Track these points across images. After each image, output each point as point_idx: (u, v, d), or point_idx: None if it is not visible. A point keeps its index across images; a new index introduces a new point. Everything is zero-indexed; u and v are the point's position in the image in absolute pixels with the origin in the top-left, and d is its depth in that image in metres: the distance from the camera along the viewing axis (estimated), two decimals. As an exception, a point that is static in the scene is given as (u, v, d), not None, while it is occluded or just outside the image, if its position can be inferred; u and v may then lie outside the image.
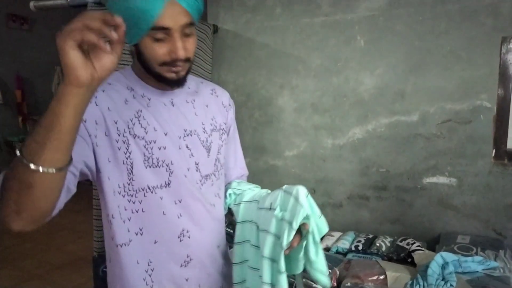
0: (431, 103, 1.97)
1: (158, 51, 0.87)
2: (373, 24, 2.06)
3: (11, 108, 5.60)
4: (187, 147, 1.01)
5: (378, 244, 1.86)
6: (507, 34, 1.80)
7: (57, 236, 3.83)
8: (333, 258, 1.73)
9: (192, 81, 1.11)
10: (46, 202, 0.75)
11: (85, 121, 0.87)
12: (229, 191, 1.20)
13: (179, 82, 0.96)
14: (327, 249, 1.93)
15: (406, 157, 2.05)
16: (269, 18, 2.32)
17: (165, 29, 0.85)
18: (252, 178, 2.47)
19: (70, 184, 0.84)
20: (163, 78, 0.93)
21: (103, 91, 0.92)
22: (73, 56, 0.64)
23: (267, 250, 0.96)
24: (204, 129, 1.06)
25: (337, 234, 2.05)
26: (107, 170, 0.92)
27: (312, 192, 2.33)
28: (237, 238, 1.12)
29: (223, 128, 1.14)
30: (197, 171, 1.03)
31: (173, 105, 1.01)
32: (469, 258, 1.54)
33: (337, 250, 1.90)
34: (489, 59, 1.84)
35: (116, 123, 0.92)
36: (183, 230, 1.01)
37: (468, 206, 1.94)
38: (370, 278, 1.56)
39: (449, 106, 1.94)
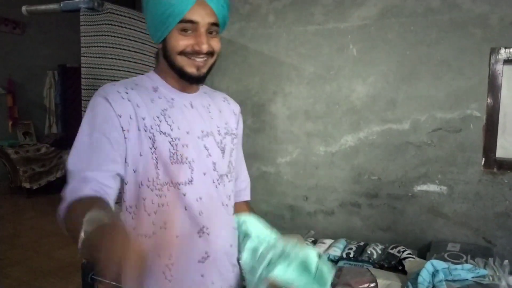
0: (422, 112, 1.99)
1: (183, 42, 0.95)
2: (366, 33, 2.08)
3: (2, 112, 5.55)
4: (205, 147, 1.05)
5: (369, 252, 1.87)
6: (496, 45, 1.83)
7: (46, 243, 3.79)
8: (325, 265, 1.73)
9: (206, 89, 1.18)
10: None
11: (120, 116, 0.93)
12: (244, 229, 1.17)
13: (199, 78, 1.01)
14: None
15: (397, 165, 2.07)
16: (262, 25, 2.34)
17: (193, 23, 0.94)
18: (245, 184, 2.48)
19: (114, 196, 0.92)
20: (184, 73, 0.98)
21: (132, 89, 0.98)
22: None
23: None
24: (219, 131, 1.10)
25: (328, 242, 2.05)
26: (136, 163, 0.96)
27: (305, 199, 2.33)
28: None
29: (234, 133, 1.18)
30: (214, 170, 1.06)
31: (192, 107, 1.06)
32: (459, 266, 1.55)
33: (328, 257, 1.90)
34: (479, 69, 1.87)
35: (144, 119, 0.96)
36: (203, 227, 1.03)
37: (459, 214, 1.96)
38: (361, 286, 1.56)
39: (440, 115, 1.96)
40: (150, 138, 0.96)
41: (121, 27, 1.96)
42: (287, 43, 2.28)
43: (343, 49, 2.14)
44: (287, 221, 2.39)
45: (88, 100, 1.85)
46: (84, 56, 1.84)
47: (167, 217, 0.97)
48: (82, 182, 0.87)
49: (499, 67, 1.84)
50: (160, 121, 0.98)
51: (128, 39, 2.00)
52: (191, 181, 1.00)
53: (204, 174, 1.03)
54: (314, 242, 2.08)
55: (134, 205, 0.98)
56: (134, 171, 0.96)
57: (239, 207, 1.22)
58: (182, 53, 0.96)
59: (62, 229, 0.85)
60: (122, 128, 0.93)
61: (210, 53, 0.99)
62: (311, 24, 2.21)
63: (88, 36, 1.83)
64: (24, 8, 1.93)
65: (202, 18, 0.94)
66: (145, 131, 0.95)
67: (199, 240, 1.03)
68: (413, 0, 1.96)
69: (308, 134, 2.28)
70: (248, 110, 2.43)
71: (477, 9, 1.85)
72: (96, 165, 0.89)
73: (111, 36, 1.91)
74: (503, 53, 1.82)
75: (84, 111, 1.83)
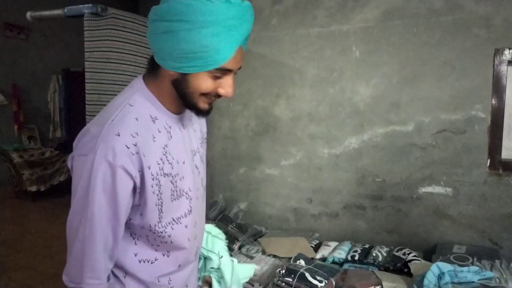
0: (426, 113, 1.99)
1: (209, 85, 0.86)
2: (368, 35, 2.08)
3: (7, 116, 5.59)
4: (196, 167, 1.03)
5: (374, 254, 1.86)
6: (500, 46, 1.82)
7: (51, 246, 3.79)
8: (329, 268, 1.72)
9: None
10: None
11: (130, 175, 0.84)
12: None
13: (208, 112, 0.94)
14: (323, 259, 1.92)
15: (402, 166, 2.06)
16: (265, 28, 2.34)
17: (228, 71, 0.86)
18: (248, 187, 2.49)
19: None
20: (196, 108, 0.91)
21: (137, 134, 0.87)
22: None
23: None
24: (201, 143, 1.09)
25: (333, 244, 2.04)
26: (140, 210, 0.91)
27: (309, 201, 2.33)
28: None
29: (205, 136, 1.18)
30: (202, 185, 1.06)
31: (184, 128, 1.00)
32: (465, 268, 1.54)
33: (333, 260, 1.89)
34: (483, 70, 1.86)
35: (149, 168, 0.88)
36: (197, 249, 1.08)
37: (464, 216, 1.95)
38: (366, 289, 1.55)
39: (444, 116, 1.95)
40: (157, 185, 0.90)
41: (124, 31, 1.96)
42: (290, 46, 2.28)
43: (346, 51, 2.14)
44: (292, 223, 2.38)
45: (92, 104, 1.87)
46: (88, 61, 1.84)
47: (169, 248, 0.98)
48: (97, 279, 0.89)
49: (503, 68, 1.83)
50: (163, 163, 0.91)
51: (131, 43, 2.00)
52: (190, 211, 1.00)
53: (197, 198, 1.03)
54: (319, 245, 2.08)
55: (138, 235, 0.95)
56: (141, 215, 0.92)
57: None
58: (204, 94, 0.88)
59: None
60: (134, 189, 0.87)
61: None
62: (314, 26, 2.21)
63: (91, 41, 1.84)
64: (28, 14, 1.95)
65: (237, 65, 0.87)
66: (153, 179, 0.89)
67: (194, 263, 1.10)
68: (416, 2, 1.96)
69: (312, 136, 2.28)
70: (251, 113, 2.43)
71: (480, 10, 1.84)
72: (102, 262, 0.88)
73: (115, 40, 1.92)
74: (507, 54, 1.81)
75: (89, 115, 1.86)
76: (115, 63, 1.93)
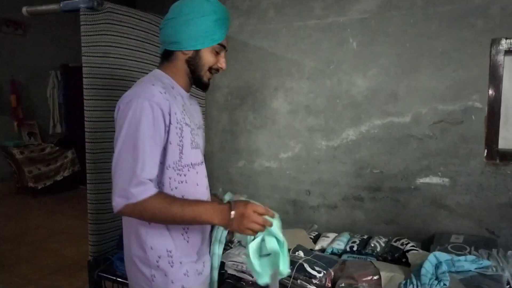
0: (423, 104, 1.99)
1: (213, 59, 1.25)
2: (365, 27, 2.08)
3: (6, 112, 5.59)
4: (198, 136, 1.31)
5: (373, 245, 1.88)
6: (496, 36, 1.82)
7: (53, 241, 3.82)
8: (328, 259, 1.74)
9: None
10: None
11: (166, 114, 1.13)
12: None
13: (207, 87, 1.31)
14: (322, 250, 1.94)
15: (399, 158, 2.07)
16: (262, 21, 2.34)
17: (223, 48, 1.27)
18: (248, 180, 2.50)
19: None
20: (201, 82, 1.28)
21: (164, 88, 1.17)
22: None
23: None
24: (201, 124, 1.41)
25: (332, 235, 2.06)
26: (167, 149, 1.16)
27: (307, 193, 2.34)
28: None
29: (203, 128, 1.46)
30: (202, 155, 1.35)
31: (190, 104, 1.33)
32: (462, 258, 1.55)
33: (332, 251, 1.91)
34: (480, 60, 1.86)
35: (176, 114, 1.17)
36: (207, 198, 1.32)
37: (462, 206, 1.96)
38: (364, 279, 1.57)
39: (441, 107, 1.96)
40: (180, 129, 1.18)
41: (121, 26, 1.96)
42: (287, 38, 2.28)
43: (343, 43, 2.14)
44: (291, 215, 2.40)
45: (90, 99, 1.87)
46: (85, 56, 1.84)
47: (184, 191, 1.21)
48: (143, 185, 1.08)
49: (500, 58, 1.83)
50: (184, 116, 1.21)
51: (128, 37, 2.00)
52: (202, 162, 1.30)
53: (204, 157, 1.34)
54: (318, 236, 2.10)
55: (161, 182, 1.18)
56: (165, 156, 1.17)
57: None
58: (210, 68, 1.26)
59: (132, 214, 1.12)
60: (165, 124, 1.13)
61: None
62: (310, 18, 2.21)
63: (88, 35, 1.83)
64: (24, 9, 1.94)
65: (227, 44, 1.29)
66: (177, 123, 1.17)
67: None
68: (412, -8, 1.95)
69: (310, 129, 2.29)
70: (249, 106, 2.43)
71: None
72: (149, 166, 1.10)
73: (111, 35, 1.91)
74: (504, 44, 1.81)
75: (87, 110, 1.86)
76: (112, 57, 1.93)
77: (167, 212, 1.10)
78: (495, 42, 1.82)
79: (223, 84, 2.50)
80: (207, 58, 1.24)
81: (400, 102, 2.04)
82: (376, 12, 2.05)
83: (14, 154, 5.15)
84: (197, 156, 1.27)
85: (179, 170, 1.20)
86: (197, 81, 1.28)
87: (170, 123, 1.15)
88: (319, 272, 1.60)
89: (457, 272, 1.52)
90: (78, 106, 2.20)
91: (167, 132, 1.15)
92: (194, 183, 1.25)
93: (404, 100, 2.03)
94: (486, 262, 1.55)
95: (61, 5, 1.82)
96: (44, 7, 1.90)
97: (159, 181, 1.18)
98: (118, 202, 1.08)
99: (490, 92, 1.86)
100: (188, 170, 1.22)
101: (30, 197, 5.30)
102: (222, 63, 1.27)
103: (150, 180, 1.10)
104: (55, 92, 6.16)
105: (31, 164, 5.23)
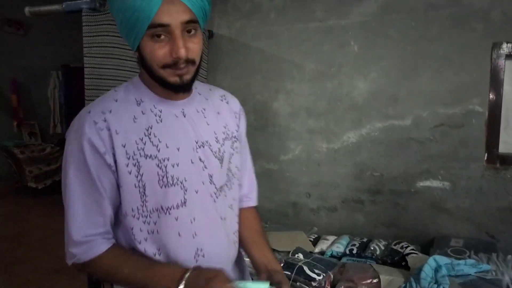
0: (424, 107, 1.99)
1: (159, 52, 0.83)
2: (366, 30, 2.08)
3: (7, 112, 5.60)
4: (200, 159, 0.95)
5: (372, 248, 1.87)
6: (497, 40, 1.82)
7: (52, 241, 3.81)
8: (328, 261, 1.74)
9: (201, 87, 1.07)
10: None
11: (99, 150, 0.85)
12: None
13: (184, 87, 0.90)
14: (321, 253, 1.94)
15: (399, 161, 2.07)
16: (263, 23, 2.34)
17: (164, 26, 0.81)
18: (248, 182, 2.49)
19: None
20: (166, 83, 0.88)
21: (110, 111, 0.88)
22: None
23: None
24: (216, 138, 1.00)
25: (331, 238, 2.06)
26: (120, 193, 0.90)
27: (307, 196, 2.34)
28: None
29: (235, 136, 1.08)
30: (211, 183, 0.97)
31: (184, 116, 0.95)
32: (462, 261, 1.55)
33: (331, 253, 1.91)
34: (481, 64, 1.86)
35: (124, 147, 0.87)
36: (197, 250, 0.95)
37: (461, 210, 1.96)
38: (363, 282, 1.57)
39: (442, 110, 1.96)
40: (134, 166, 0.87)
41: (123, 27, 1.97)
42: (288, 41, 2.29)
43: (344, 45, 2.14)
44: (291, 217, 2.40)
45: (91, 100, 1.87)
46: (87, 56, 1.85)
47: (159, 244, 0.92)
48: (83, 244, 0.90)
49: (501, 62, 1.83)
50: (144, 143, 0.88)
51: (130, 38, 2.01)
52: (184, 202, 0.92)
53: (197, 192, 0.94)
54: (317, 239, 2.09)
55: (122, 236, 0.94)
56: (120, 203, 0.91)
57: (243, 215, 1.13)
58: (166, 66, 0.85)
59: (85, 272, 0.98)
60: (107, 164, 0.87)
61: (191, 61, 0.86)
62: (312, 21, 2.21)
63: (90, 36, 1.84)
64: (27, 9, 1.95)
65: (174, 18, 0.81)
66: (128, 159, 0.87)
67: (195, 264, 0.95)
68: (414, -4, 1.96)
69: (310, 131, 2.29)
70: (250, 108, 2.43)
71: (478, 3, 1.84)
72: (85, 224, 0.89)
73: (113, 36, 1.92)
74: (505, 48, 1.81)
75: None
76: (113, 58, 1.93)
77: (117, 275, 0.89)
78: (496, 46, 1.83)
79: (223, 86, 2.49)
80: (149, 53, 0.85)
81: (401, 105, 2.04)
82: (377, 15, 2.05)
83: (15, 153, 5.15)
84: (175, 195, 0.91)
85: (145, 217, 0.90)
86: (161, 84, 0.89)
87: (115, 161, 0.86)
88: (318, 274, 1.60)
89: (457, 276, 1.52)
90: (79, 107, 2.18)
91: (115, 172, 0.88)
92: (174, 234, 0.92)
93: (404, 103, 2.03)
94: (485, 266, 1.55)
95: (63, 5, 1.83)
96: (46, 8, 1.91)
97: (123, 233, 0.93)
98: (67, 260, 0.93)
99: (491, 96, 1.86)
100: (158, 217, 0.90)
101: (30, 197, 5.30)
102: (174, 49, 0.83)
103: (95, 234, 0.89)
104: (56, 93, 6.16)
105: (32, 164, 5.23)
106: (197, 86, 1.03)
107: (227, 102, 1.12)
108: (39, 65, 5.88)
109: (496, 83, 1.85)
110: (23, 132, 5.72)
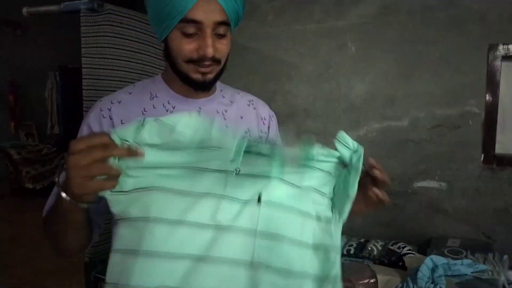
0: (421, 109, 2.00)
1: (186, 46, 0.83)
2: (364, 31, 2.09)
3: (4, 113, 5.59)
4: None
5: (369, 248, 1.88)
6: (494, 42, 1.84)
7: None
8: (325, 262, 1.74)
9: (227, 90, 1.07)
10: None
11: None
12: None
13: (204, 85, 0.89)
14: (319, 254, 1.94)
15: (397, 161, 2.08)
16: (261, 24, 2.35)
17: (197, 23, 0.81)
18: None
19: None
20: (188, 79, 0.88)
21: (119, 102, 0.89)
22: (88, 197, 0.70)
23: None
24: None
25: (329, 239, 2.06)
26: None
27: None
28: None
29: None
30: None
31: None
32: (458, 261, 1.56)
33: (329, 254, 1.91)
34: (477, 66, 1.88)
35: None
36: None
37: (458, 210, 1.97)
38: (361, 282, 1.58)
39: (439, 111, 1.97)
40: None
41: (121, 27, 1.97)
42: (286, 42, 2.29)
43: (342, 47, 2.15)
44: (288, 218, 2.40)
45: (89, 101, 1.87)
46: (85, 57, 1.85)
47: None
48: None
49: (497, 63, 1.84)
50: None
51: (128, 39, 2.01)
52: None
53: None
54: (315, 239, 2.10)
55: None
56: None
57: None
58: (189, 61, 0.85)
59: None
60: None
61: (217, 61, 0.86)
62: (310, 22, 2.22)
63: (88, 36, 1.84)
64: (24, 10, 1.95)
65: (208, 17, 0.80)
66: None
67: None
68: (411, -2, 1.97)
69: (308, 132, 2.29)
70: (248, 109, 2.44)
71: (474, 5, 1.86)
72: None
73: (111, 36, 1.92)
74: (501, 50, 1.83)
75: (86, 111, 1.86)
76: (112, 59, 1.94)
77: (51, 228, 0.89)
78: (492, 48, 1.84)
79: (222, 87, 2.51)
80: (176, 45, 0.84)
81: (398, 106, 2.05)
82: (375, 16, 2.06)
83: (12, 154, 5.14)
84: None
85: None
86: (183, 79, 0.89)
87: None
88: (316, 275, 1.60)
89: (453, 276, 1.52)
90: (76, 108, 2.19)
91: None
92: None
93: (402, 104, 2.05)
94: (482, 266, 1.55)
95: (61, 6, 1.83)
96: (44, 8, 1.90)
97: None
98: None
99: (487, 97, 1.87)
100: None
101: (27, 198, 5.28)
102: (203, 47, 0.82)
103: None
104: (53, 93, 6.16)
105: (28, 164, 5.22)
106: (223, 88, 1.04)
107: (255, 108, 1.11)
108: (36, 66, 5.88)
109: (492, 84, 1.86)
110: (20, 132, 5.72)
